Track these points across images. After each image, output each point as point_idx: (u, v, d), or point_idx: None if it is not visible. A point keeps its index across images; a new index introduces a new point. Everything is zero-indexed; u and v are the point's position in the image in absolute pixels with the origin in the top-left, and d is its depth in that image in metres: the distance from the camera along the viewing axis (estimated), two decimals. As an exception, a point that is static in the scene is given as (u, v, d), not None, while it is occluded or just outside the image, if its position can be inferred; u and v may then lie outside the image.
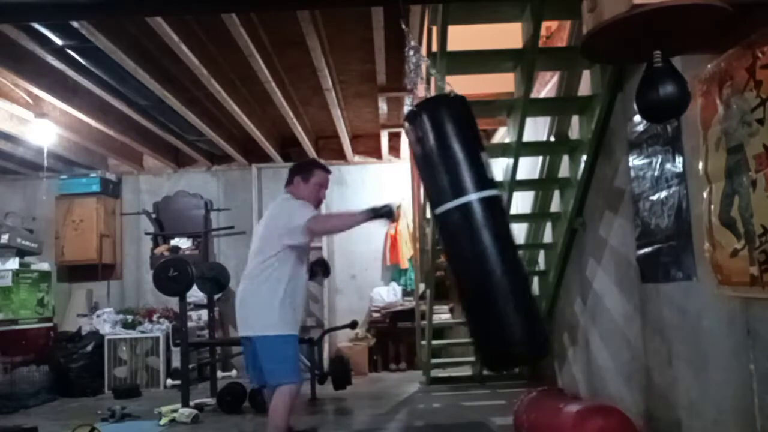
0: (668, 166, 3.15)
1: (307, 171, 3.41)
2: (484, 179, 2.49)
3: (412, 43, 2.75)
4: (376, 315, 7.48)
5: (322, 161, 3.77)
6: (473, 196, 2.44)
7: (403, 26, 2.71)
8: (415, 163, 2.65)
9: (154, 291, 5.58)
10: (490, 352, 2.54)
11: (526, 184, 4.83)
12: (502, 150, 4.63)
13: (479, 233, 2.43)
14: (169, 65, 4.99)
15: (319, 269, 3.75)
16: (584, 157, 4.13)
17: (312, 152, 7.55)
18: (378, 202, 3.23)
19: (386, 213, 3.14)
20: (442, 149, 2.54)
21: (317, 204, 3.42)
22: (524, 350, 2.45)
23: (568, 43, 4.20)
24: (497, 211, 2.50)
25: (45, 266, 6.85)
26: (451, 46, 3.69)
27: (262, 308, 3.12)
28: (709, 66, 2.65)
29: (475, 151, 2.55)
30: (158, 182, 7.96)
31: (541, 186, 4.92)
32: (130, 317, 6.96)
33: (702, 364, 2.91)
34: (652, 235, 3.35)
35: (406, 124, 2.65)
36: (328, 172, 3.51)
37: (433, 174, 2.54)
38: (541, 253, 5.25)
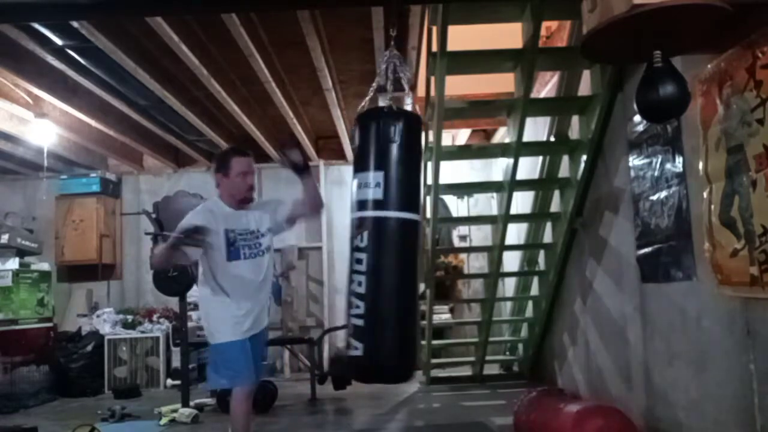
0: (668, 166, 3.15)
1: (224, 165, 3.11)
2: (386, 200, 2.55)
3: (391, 51, 2.75)
4: (376, 315, 7.46)
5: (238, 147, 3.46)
6: (369, 213, 2.55)
7: (391, 31, 2.71)
8: (359, 158, 2.67)
9: (154, 291, 5.58)
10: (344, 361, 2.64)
11: (526, 184, 4.84)
12: (502, 150, 4.64)
13: (404, 251, 2.58)
14: (169, 65, 4.99)
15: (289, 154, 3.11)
16: (584, 157, 4.14)
17: (312, 152, 7.54)
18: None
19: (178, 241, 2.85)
20: (403, 162, 2.59)
21: (248, 192, 3.10)
22: (362, 372, 2.62)
23: (568, 43, 4.20)
24: (390, 235, 2.57)
25: (45, 266, 6.85)
26: (451, 46, 3.69)
27: (204, 315, 3.14)
28: (709, 66, 2.65)
29: (386, 169, 2.57)
30: (158, 182, 7.96)
31: (541, 186, 4.92)
32: (130, 317, 6.96)
33: (702, 364, 2.91)
34: (652, 235, 3.35)
35: (374, 119, 2.66)
36: (246, 155, 3.14)
37: (387, 179, 2.58)
38: (541, 253, 5.25)
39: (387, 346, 2.58)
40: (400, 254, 2.58)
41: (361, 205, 2.58)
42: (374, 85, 2.81)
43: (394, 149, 2.59)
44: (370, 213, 2.56)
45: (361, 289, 2.53)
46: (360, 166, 2.61)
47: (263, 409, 4.99)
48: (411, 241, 2.64)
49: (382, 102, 2.74)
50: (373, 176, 2.55)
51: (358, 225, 2.58)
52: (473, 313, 7.12)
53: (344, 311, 2.65)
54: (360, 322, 2.53)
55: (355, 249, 2.57)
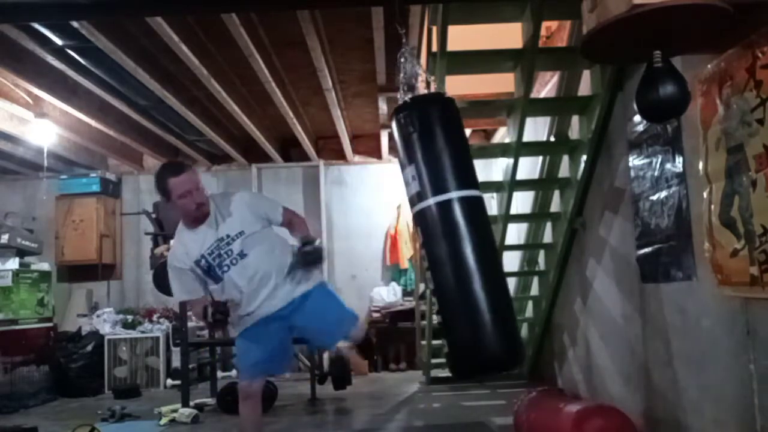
0: (668, 166, 3.15)
1: (163, 189, 2.83)
2: (467, 179, 2.50)
3: (407, 48, 2.74)
4: (376, 315, 7.47)
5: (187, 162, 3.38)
6: (454, 194, 2.45)
7: (399, 29, 2.71)
8: (399, 158, 2.64)
9: (154, 291, 5.58)
10: (460, 360, 2.55)
11: (526, 184, 4.83)
12: (502, 150, 4.63)
13: (457, 234, 2.44)
14: (169, 65, 4.99)
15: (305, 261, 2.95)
16: (584, 157, 4.13)
17: (312, 152, 7.55)
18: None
19: (216, 323, 2.87)
20: (426, 146, 2.54)
21: (197, 209, 2.84)
22: (497, 361, 2.46)
23: (568, 43, 4.20)
24: (478, 213, 2.48)
25: (45, 266, 6.85)
26: (451, 46, 3.69)
27: None
28: (709, 66, 2.65)
29: (460, 150, 2.54)
30: (158, 182, 7.95)
31: (541, 186, 4.92)
32: (130, 317, 6.96)
33: (702, 364, 2.91)
34: (652, 235, 3.35)
35: (394, 119, 2.65)
36: (181, 172, 2.81)
37: (418, 170, 2.55)
38: (541, 253, 5.25)
39: (471, 337, 2.45)
40: (457, 237, 2.42)
41: (411, 202, 2.54)
42: (402, 82, 2.76)
43: (420, 137, 2.55)
44: (416, 208, 2.52)
45: (434, 287, 2.46)
46: (401, 164, 2.59)
47: (263, 409, 4.98)
48: (472, 218, 2.50)
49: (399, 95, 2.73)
50: (409, 172, 2.53)
51: (414, 224, 2.58)
52: (473, 313, 7.11)
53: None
54: (442, 321, 2.50)
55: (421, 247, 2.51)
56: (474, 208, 2.53)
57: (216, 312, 2.77)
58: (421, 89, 2.85)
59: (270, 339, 2.91)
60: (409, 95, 2.68)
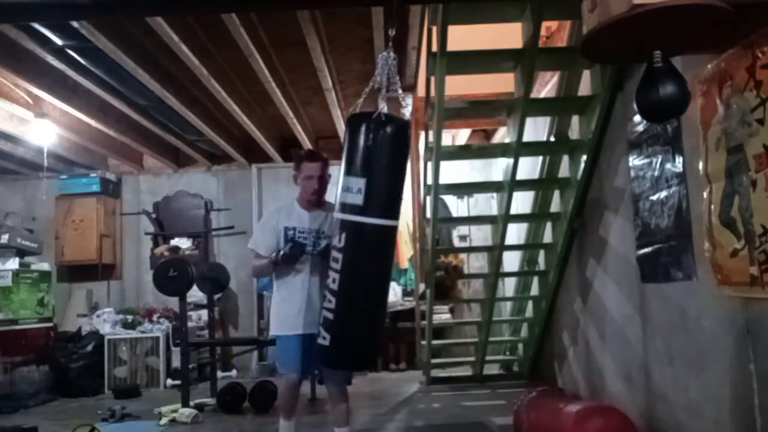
0: (668, 166, 3.15)
1: (296, 168, 3.39)
2: (366, 206, 2.70)
3: (388, 52, 2.78)
4: (376, 315, 7.46)
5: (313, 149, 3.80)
6: (348, 217, 2.73)
7: (390, 32, 2.72)
8: (347, 161, 2.78)
9: (154, 291, 5.58)
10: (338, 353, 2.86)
11: (526, 184, 4.84)
12: (502, 150, 4.64)
13: (378, 254, 2.82)
14: (169, 65, 4.99)
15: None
16: (584, 157, 4.14)
17: (312, 152, 7.54)
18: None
19: (285, 258, 3.19)
20: (384, 169, 2.75)
21: (312, 195, 3.32)
22: (324, 360, 2.93)
23: (568, 43, 4.20)
24: (366, 238, 2.76)
25: (45, 266, 6.85)
26: (451, 46, 3.69)
27: (271, 308, 3.51)
28: (709, 66, 2.65)
29: (370, 176, 2.71)
30: (158, 182, 7.96)
31: (541, 186, 4.92)
32: (130, 317, 6.96)
33: (702, 364, 2.91)
34: (652, 235, 3.35)
35: (362, 125, 2.73)
36: (318, 161, 3.32)
37: (369, 186, 2.72)
38: (541, 253, 5.25)
39: (352, 338, 2.81)
40: (374, 257, 2.80)
41: (343, 207, 2.74)
42: (370, 85, 2.82)
43: (379, 157, 2.72)
44: (350, 216, 2.73)
45: (335, 286, 2.76)
46: (347, 169, 2.74)
47: (263, 409, 4.99)
48: (387, 246, 2.88)
49: (381, 103, 2.76)
50: (355, 182, 2.70)
51: (339, 226, 2.77)
52: (473, 313, 7.12)
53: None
54: (330, 315, 2.77)
55: (333, 247, 2.81)
56: (391, 237, 2.90)
57: (292, 248, 3.18)
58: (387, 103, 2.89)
59: (307, 352, 3.25)
60: (383, 106, 2.74)
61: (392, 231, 2.84)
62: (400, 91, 2.87)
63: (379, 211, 2.73)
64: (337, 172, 2.86)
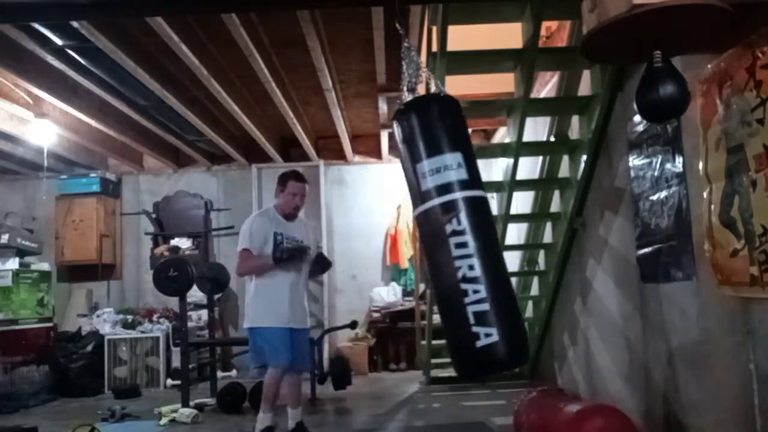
0: (668, 166, 3.15)
1: (283, 182, 3.89)
2: (471, 179, 2.50)
3: (407, 44, 2.73)
4: (376, 315, 7.48)
5: (300, 170, 4.26)
6: (458, 195, 2.45)
7: (399, 28, 2.70)
8: (402, 161, 2.64)
9: (154, 291, 5.58)
10: (464, 361, 2.49)
11: (526, 184, 4.83)
12: (502, 150, 4.63)
13: (492, 229, 2.55)
14: (169, 65, 4.99)
15: (317, 267, 4.06)
16: (584, 157, 4.13)
17: (312, 152, 7.55)
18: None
19: (288, 257, 3.67)
20: (429, 147, 2.53)
21: (293, 210, 3.88)
22: (501, 360, 2.38)
23: (568, 43, 4.20)
24: (482, 213, 2.48)
25: (45, 266, 6.85)
26: (451, 46, 3.69)
27: (250, 303, 3.83)
28: (709, 66, 2.65)
29: (463, 149, 2.53)
30: (158, 182, 7.96)
31: (541, 186, 4.92)
32: (130, 317, 6.96)
33: (702, 364, 2.91)
34: (652, 235, 3.36)
35: (395, 122, 2.65)
36: (302, 182, 3.90)
37: (466, 158, 2.54)
38: (541, 253, 5.25)
39: (518, 325, 2.45)
40: (493, 232, 2.56)
41: (445, 188, 2.45)
42: (404, 81, 2.79)
43: (460, 129, 2.61)
44: (460, 194, 2.45)
45: (475, 272, 2.34)
46: (432, 150, 2.50)
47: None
48: (492, 218, 2.63)
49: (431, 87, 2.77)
50: (452, 157, 2.48)
51: (447, 210, 2.43)
52: (473, 313, 7.10)
53: (447, 306, 2.47)
54: (485, 306, 2.32)
55: (451, 234, 2.40)
56: (488, 208, 2.63)
57: (299, 250, 3.74)
58: (422, 88, 2.87)
59: (292, 344, 3.72)
60: (414, 93, 2.70)
61: (474, 201, 2.53)
62: (430, 77, 2.95)
63: (479, 183, 2.54)
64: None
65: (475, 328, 2.30)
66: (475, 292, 2.33)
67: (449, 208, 2.42)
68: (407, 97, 2.74)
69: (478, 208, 2.46)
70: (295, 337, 3.74)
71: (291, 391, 3.84)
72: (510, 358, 2.39)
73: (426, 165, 2.49)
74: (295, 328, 3.74)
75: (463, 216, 2.40)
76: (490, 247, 2.45)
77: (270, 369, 3.68)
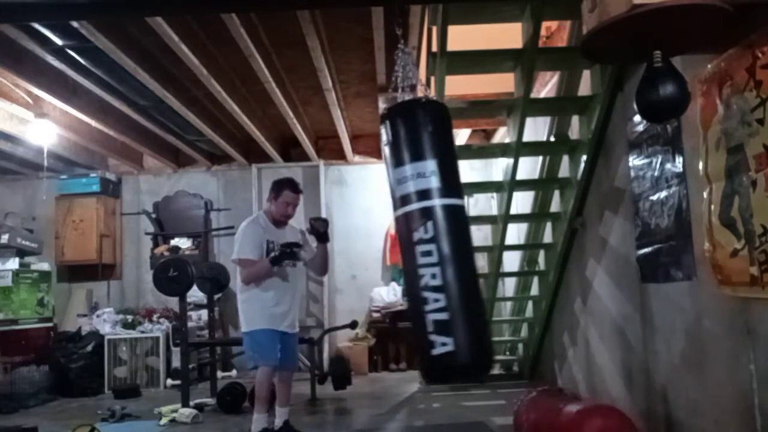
0: (668, 166, 3.15)
1: (277, 190, 3.94)
2: (450, 186, 2.49)
3: (401, 46, 2.74)
4: (376, 315, 7.47)
5: (298, 181, 4.15)
6: (427, 203, 2.44)
7: (397, 29, 2.70)
8: (385, 163, 2.64)
9: (154, 291, 5.58)
10: (423, 366, 2.51)
11: (526, 184, 4.84)
12: (502, 150, 4.63)
13: (465, 237, 2.52)
14: (169, 65, 4.99)
15: (315, 231, 3.93)
16: (584, 157, 4.13)
17: (312, 152, 7.54)
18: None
19: (280, 254, 3.74)
20: (398, 155, 2.53)
21: (285, 218, 3.97)
22: (456, 369, 2.41)
23: (568, 43, 4.20)
24: (454, 221, 2.48)
25: (45, 266, 6.85)
26: (451, 46, 3.69)
27: (240, 310, 3.93)
28: (709, 66, 2.65)
29: (440, 156, 2.51)
30: (158, 182, 7.96)
31: (541, 186, 4.92)
32: (130, 317, 6.95)
33: (702, 364, 2.91)
34: (652, 235, 3.36)
35: (381, 126, 2.64)
36: (297, 192, 3.95)
37: (440, 166, 2.50)
38: (541, 253, 5.25)
39: (478, 336, 2.44)
40: (464, 240, 2.51)
41: (412, 197, 2.46)
42: (393, 83, 2.78)
43: (442, 136, 2.55)
44: (431, 202, 2.44)
45: (437, 281, 2.37)
46: (409, 157, 2.49)
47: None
48: (468, 227, 2.60)
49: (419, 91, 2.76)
50: (422, 165, 2.46)
51: (419, 216, 2.43)
52: (473, 313, 7.10)
53: (412, 311, 2.50)
54: (444, 315, 2.34)
55: (417, 242, 2.42)
56: (467, 217, 2.67)
57: (291, 250, 3.78)
58: (418, 91, 2.86)
59: (283, 346, 3.86)
60: (408, 94, 2.68)
61: (464, 210, 2.60)
62: (418, 82, 2.88)
63: (456, 191, 2.53)
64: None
65: (432, 336, 2.33)
66: (436, 300, 2.35)
67: (417, 216, 2.44)
68: (399, 98, 2.74)
69: (450, 216, 2.46)
70: (284, 339, 3.87)
71: (281, 388, 3.95)
72: (465, 368, 2.40)
73: (398, 172, 2.51)
74: (284, 332, 3.86)
75: (430, 225, 2.41)
76: (459, 256, 2.44)
77: (260, 368, 3.78)
